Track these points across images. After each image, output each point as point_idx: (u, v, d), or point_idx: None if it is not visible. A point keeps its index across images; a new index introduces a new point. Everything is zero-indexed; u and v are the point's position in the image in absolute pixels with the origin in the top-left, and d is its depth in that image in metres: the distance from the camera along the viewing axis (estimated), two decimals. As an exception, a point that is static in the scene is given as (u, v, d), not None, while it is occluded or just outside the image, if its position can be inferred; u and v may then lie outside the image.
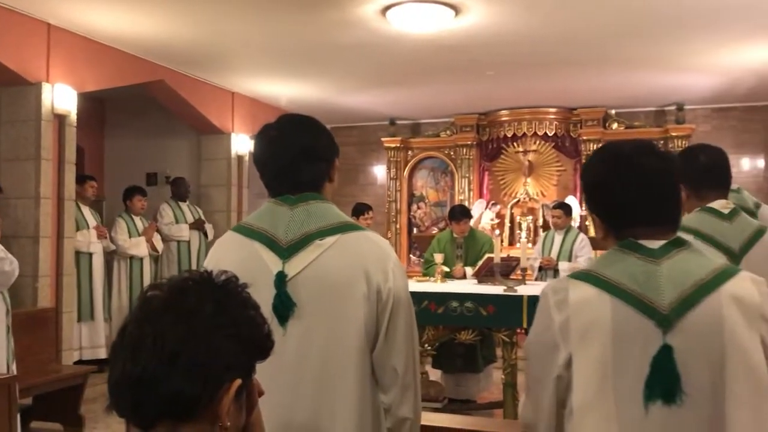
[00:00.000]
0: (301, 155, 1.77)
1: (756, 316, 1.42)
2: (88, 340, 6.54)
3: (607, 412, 1.40)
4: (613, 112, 8.89)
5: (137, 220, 7.27)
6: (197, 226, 7.73)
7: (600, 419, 1.41)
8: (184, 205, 7.78)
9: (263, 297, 1.64)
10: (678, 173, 1.56)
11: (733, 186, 3.18)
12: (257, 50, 6.51)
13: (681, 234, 2.45)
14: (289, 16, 5.46)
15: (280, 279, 1.67)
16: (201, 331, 1.02)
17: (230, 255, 1.75)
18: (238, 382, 1.04)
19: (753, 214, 3.13)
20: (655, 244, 1.48)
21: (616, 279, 1.45)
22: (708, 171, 2.58)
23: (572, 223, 6.63)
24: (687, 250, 1.50)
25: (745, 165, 8.82)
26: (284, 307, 1.66)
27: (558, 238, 6.66)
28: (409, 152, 9.78)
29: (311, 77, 7.51)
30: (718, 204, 2.54)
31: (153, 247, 7.29)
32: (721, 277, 1.44)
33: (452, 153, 9.54)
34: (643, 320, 1.41)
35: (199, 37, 6.06)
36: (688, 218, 2.61)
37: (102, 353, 6.46)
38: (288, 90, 8.09)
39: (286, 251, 1.69)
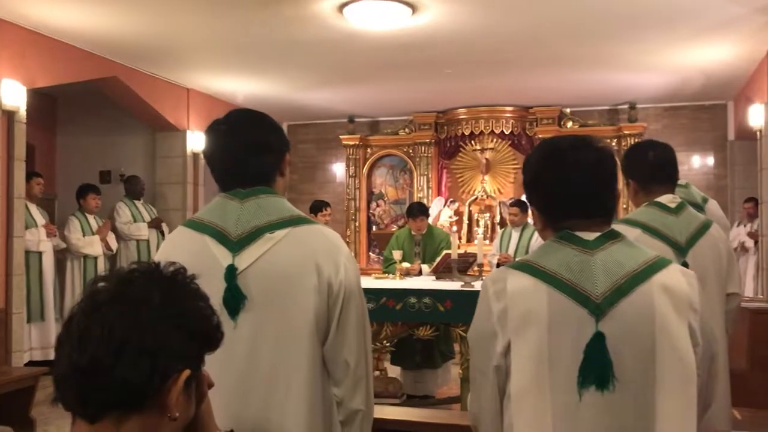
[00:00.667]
0: (252, 149, 1.77)
1: (685, 305, 1.48)
2: (38, 341, 6.39)
3: (542, 399, 1.44)
4: (568, 110, 9.04)
5: (91, 218, 7.13)
6: (155, 224, 7.63)
7: (535, 406, 1.44)
8: (139, 204, 7.67)
9: (214, 290, 1.63)
10: (614, 167, 1.60)
11: (682, 182, 3.27)
12: (213, 46, 6.45)
13: (629, 227, 2.54)
14: (245, 12, 5.42)
15: (231, 272, 1.67)
16: (148, 321, 1.02)
17: (181, 249, 1.74)
18: (187, 372, 1.04)
19: (700, 208, 3.23)
20: (591, 235, 1.53)
21: (552, 269, 1.50)
22: (656, 166, 2.65)
23: (528, 220, 6.72)
24: (620, 242, 1.54)
25: (695, 162, 9.05)
26: (234, 300, 1.65)
27: (515, 234, 6.75)
28: (368, 150, 9.79)
29: (268, 74, 7.46)
30: (665, 198, 2.61)
31: (107, 246, 7.16)
32: (652, 268, 1.49)
33: (411, 151, 9.58)
34: (578, 309, 1.45)
35: (153, 32, 5.97)
36: (636, 212, 2.68)
37: (53, 354, 6.30)
38: (245, 86, 8.02)
39: (236, 244, 1.69)
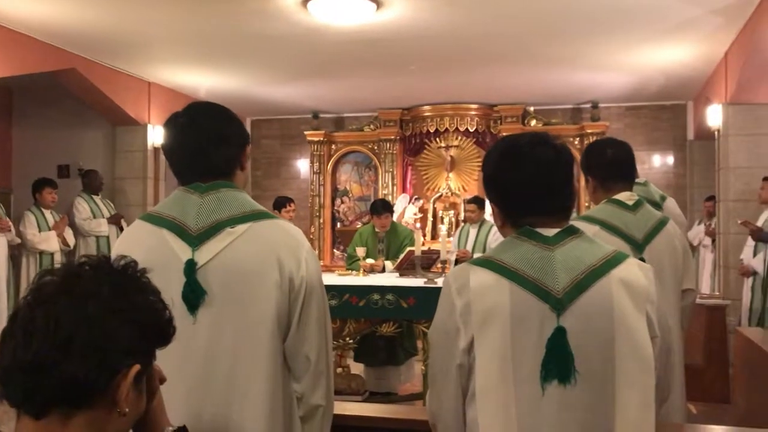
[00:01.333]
0: (212, 141, 1.74)
1: (642, 298, 1.51)
2: (-8, 338, 6.22)
3: (506, 395, 1.45)
4: (531, 109, 9.11)
5: (47, 213, 6.97)
6: (115, 220, 7.49)
7: (500, 401, 1.45)
8: (98, 199, 7.52)
9: (172, 285, 1.61)
10: (572, 165, 1.62)
11: (641, 180, 3.33)
12: (175, 39, 6.35)
13: (588, 224, 2.58)
14: (208, 4, 5.34)
15: (190, 267, 1.64)
16: (96, 315, 0.99)
17: (138, 244, 1.71)
18: (137, 367, 1.02)
19: (658, 206, 3.29)
20: (550, 231, 1.55)
21: (514, 265, 1.51)
22: (614, 164, 2.70)
23: (486, 217, 6.77)
24: (579, 237, 1.56)
25: (655, 161, 9.21)
26: (194, 295, 1.63)
27: (473, 231, 6.80)
28: (333, 146, 9.75)
29: (231, 68, 7.38)
30: (623, 196, 2.66)
31: (64, 242, 7.01)
32: (610, 263, 1.52)
33: (376, 147, 9.57)
34: (539, 304, 1.47)
35: (113, 24, 5.85)
36: (594, 210, 2.73)
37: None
38: (207, 80, 7.93)
39: (196, 239, 1.67)
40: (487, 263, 1.54)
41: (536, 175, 1.56)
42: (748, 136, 6.55)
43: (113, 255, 1.68)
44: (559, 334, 1.45)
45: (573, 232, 1.57)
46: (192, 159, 1.75)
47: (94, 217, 7.35)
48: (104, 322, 0.99)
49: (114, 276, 1.05)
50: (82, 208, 7.33)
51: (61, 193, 7.22)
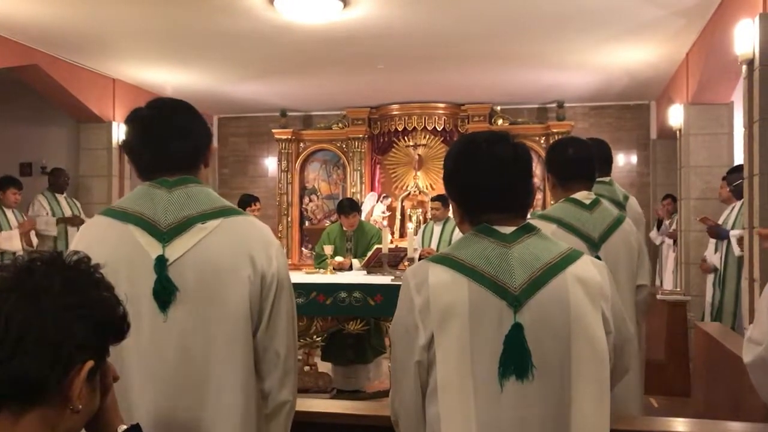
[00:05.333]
0: (177, 136, 1.72)
1: (597, 295, 1.53)
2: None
3: (465, 390, 1.46)
4: (498, 108, 9.20)
5: (9, 213, 6.82)
6: (75, 222, 7.33)
7: (459, 397, 1.47)
8: (61, 198, 7.37)
9: (142, 282, 1.59)
10: (529, 163, 1.64)
11: (606, 179, 3.38)
12: (140, 35, 6.27)
13: (545, 222, 2.61)
14: (174, 1, 5.29)
15: (161, 263, 1.61)
16: (48, 311, 0.98)
17: (102, 240, 1.67)
18: (90, 363, 1.01)
19: (621, 206, 3.34)
20: (508, 229, 1.57)
21: (471, 262, 1.52)
22: (574, 163, 2.73)
23: (450, 215, 6.80)
24: (536, 235, 1.59)
25: (620, 161, 9.34)
26: (166, 292, 1.60)
27: (437, 228, 6.83)
28: (301, 144, 9.72)
29: (198, 65, 7.31)
30: (580, 195, 2.70)
31: (28, 242, 6.87)
32: (566, 260, 1.54)
33: (344, 146, 9.57)
34: (497, 301, 1.48)
35: (76, 19, 5.75)
36: (552, 208, 2.77)
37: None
38: (174, 77, 7.84)
39: (165, 235, 1.64)
40: (445, 260, 1.55)
41: (494, 173, 1.58)
42: (709, 135, 6.69)
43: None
44: (517, 330, 1.46)
45: (530, 229, 1.59)
46: (156, 154, 1.72)
47: (54, 215, 7.21)
48: (57, 318, 0.98)
49: (67, 271, 1.04)
50: (39, 205, 7.18)
51: (25, 191, 7.07)
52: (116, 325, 1.07)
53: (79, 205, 7.54)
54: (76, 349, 0.99)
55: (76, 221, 7.27)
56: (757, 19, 4.17)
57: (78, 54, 6.89)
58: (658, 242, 8.21)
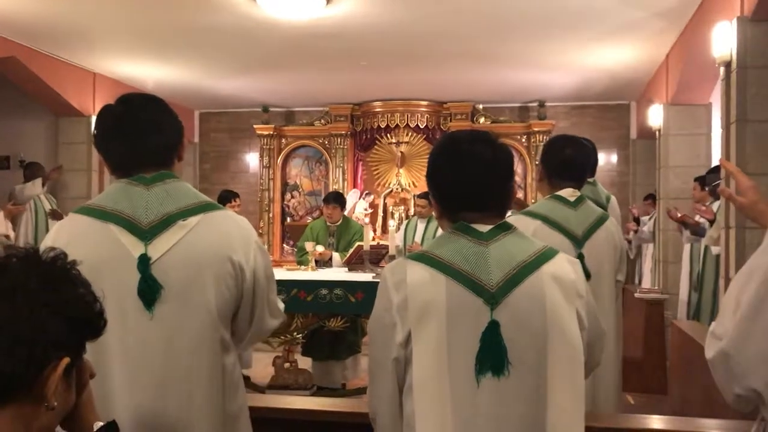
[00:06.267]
0: (149, 131, 1.72)
1: (572, 292, 1.55)
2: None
3: (442, 388, 1.48)
4: (480, 107, 9.23)
5: (-14, 206, 6.74)
6: (55, 215, 7.27)
7: (436, 394, 1.48)
8: (41, 193, 7.30)
9: (124, 281, 1.59)
10: (510, 164, 1.66)
11: (591, 179, 3.42)
12: (121, 29, 6.21)
13: (530, 219, 2.64)
14: (155, -5, 5.25)
15: (144, 262, 1.62)
16: (24, 308, 0.97)
17: (83, 239, 1.65)
18: (66, 360, 1.00)
19: (604, 207, 3.38)
20: (485, 227, 1.58)
21: (449, 260, 1.54)
22: (567, 163, 2.76)
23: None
24: (512, 233, 1.60)
25: (600, 160, 9.36)
26: (150, 290, 1.61)
27: (421, 225, 6.85)
28: (283, 140, 9.69)
29: (180, 60, 7.25)
30: (565, 192, 2.73)
31: (6, 235, 6.77)
32: (541, 259, 1.56)
33: (326, 142, 9.55)
34: (474, 298, 1.50)
35: (56, 12, 5.68)
36: (537, 205, 2.80)
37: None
38: (155, 72, 7.77)
39: (147, 233, 1.64)
40: (423, 258, 1.57)
41: (472, 172, 1.59)
42: (687, 135, 6.76)
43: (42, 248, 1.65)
44: (493, 327, 1.48)
45: (506, 228, 1.60)
46: (129, 150, 1.71)
47: (37, 213, 7.13)
48: (32, 315, 0.98)
49: (43, 268, 1.03)
50: (27, 194, 7.09)
51: (1, 186, 7.00)
52: (93, 322, 1.07)
53: (55, 200, 7.46)
54: (51, 346, 0.99)
55: (57, 215, 7.20)
56: (734, 21, 4.23)
57: (57, 47, 6.81)
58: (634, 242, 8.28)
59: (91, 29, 6.22)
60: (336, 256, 6.04)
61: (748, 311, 1.33)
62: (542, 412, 1.48)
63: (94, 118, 6.25)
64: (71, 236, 1.68)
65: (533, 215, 2.67)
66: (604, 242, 2.71)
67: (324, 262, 5.99)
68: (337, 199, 6.28)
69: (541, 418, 1.48)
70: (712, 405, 3.13)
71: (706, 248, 5.30)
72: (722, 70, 4.44)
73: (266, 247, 9.05)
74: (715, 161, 6.30)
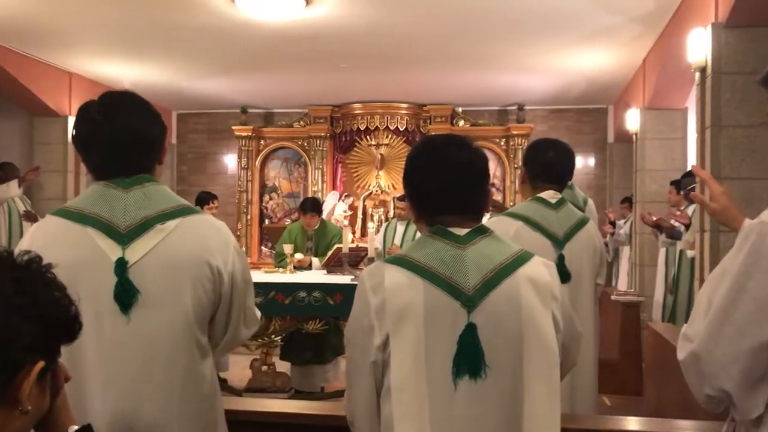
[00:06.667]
0: (131, 139, 1.69)
1: (548, 295, 1.57)
2: None
3: (420, 390, 1.48)
4: (459, 110, 9.28)
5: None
6: (29, 217, 7.16)
7: (413, 397, 1.48)
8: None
9: (103, 285, 1.58)
10: (485, 168, 1.67)
11: (568, 183, 3.44)
12: (97, 29, 6.15)
13: (512, 220, 2.66)
14: (132, -6, 5.21)
15: (121, 266, 1.61)
16: (-2, 311, 0.96)
17: (59, 242, 1.64)
18: (41, 364, 0.99)
19: (581, 209, 3.42)
20: (461, 231, 1.59)
21: (427, 263, 1.55)
22: (549, 166, 2.79)
23: (412, 215, 6.85)
24: (489, 236, 1.62)
25: (578, 163, 9.40)
26: (127, 294, 1.60)
27: (400, 227, 6.86)
28: (262, 142, 9.64)
29: (157, 60, 7.20)
30: (546, 194, 2.76)
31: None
32: (517, 262, 1.57)
33: (306, 144, 9.53)
34: (451, 301, 1.51)
35: (31, 11, 5.61)
36: (519, 206, 2.83)
37: None
38: (132, 72, 7.70)
39: (125, 237, 1.63)
40: (401, 261, 1.57)
41: (448, 176, 1.60)
42: (663, 139, 6.85)
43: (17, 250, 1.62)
44: (470, 330, 1.49)
45: (483, 231, 1.62)
46: (110, 158, 1.69)
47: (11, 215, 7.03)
48: (6, 318, 0.96)
49: (17, 271, 1.02)
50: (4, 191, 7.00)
51: (-26, 185, 6.89)
52: (68, 326, 1.05)
53: (30, 201, 7.36)
54: (25, 349, 0.97)
55: (31, 217, 7.10)
56: (709, 28, 4.29)
57: (32, 46, 6.73)
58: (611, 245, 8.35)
59: (67, 28, 6.15)
60: (315, 261, 6.01)
61: (719, 313, 1.35)
62: (519, 413, 1.49)
63: (70, 119, 6.22)
64: (47, 239, 1.67)
65: (515, 216, 2.70)
66: (584, 244, 2.74)
67: (303, 268, 5.96)
68: (314, 206, 6.22)
69: (517, 420, 1.49)
70: (687, 406, 3.16)
71: (681, 251, 5.37)
72: (697, 75, 4.50)
73: (244, 249, 9.02)
74: (690, 165, 6.38)
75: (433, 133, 8.73)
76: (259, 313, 1.89)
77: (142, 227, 1.64)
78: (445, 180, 1.60)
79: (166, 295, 1.63)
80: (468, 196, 1.63)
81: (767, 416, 1.33)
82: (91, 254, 1.61)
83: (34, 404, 1.00)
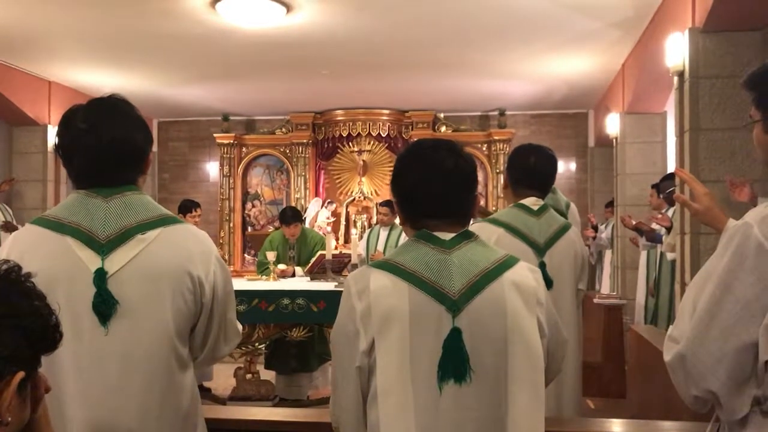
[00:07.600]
0: (114, 149, 1.66)
1: (533, 300, 1.57)
2: None
3: (405, 395, 1.48)
4: (441, 115, 9.31)
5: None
6: (8, 228, 7.06)
7: (399, 402, 1.48)
8: (-7, 203, 7.11)
9: (82, 296, 1.56)
10: (472, 173, 1.67)
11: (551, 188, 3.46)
12: (77, 37, 6.10)
13: (493, 226, 2.66)
14: (112, 2, 5.17)
15: (101, 276, 1.58)
16: (-24, 322, 0.95)
17: (38, 251, 1.61)
18: (21, 374, 0.98)
19: (564, 214, 3.43)
20: (447, 235, 1.60)
21: (412, 267, 1.55)
22: (531, 173, 2.79)
23: (397, 220, 6.85)
24: (474, 241, 1.62)
25: (559, 168, 9.48)
26: (106, 305, 1.58)
27: (383, 233, 6.87)
28: (244, 149, 9.61)
29: (138, 68, 7.16)
30: (528, 201, 2.76)
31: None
32: (502, 266, 1.58)
33: (288, 151, 9.51)
34: (436, 306, 1.51)
35: (9, 18, 5.56)
36: (501, 213, 2.83)
37: None
38: (112, 80, 7.65)
39: (104, 247, 1.61)
40: (386, 266, 1.58)
41: (435, 180, 1.61)
42: (643, 143, 6.92)
43: None
44: (455, 334, 1.49)
45: (469, 236, 1.62)
46: (93, 163, 1.66)
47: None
48: (-16, 329, 0.95)
49: None
50: None
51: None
52: (48, 336, 1.04)
53: (11, 211, 7.28)
54: (5, 360, 0.96)
55: (10, 227, 6.99)
56: (686, 33, 4.34)
57: (10, 55, 6.66)
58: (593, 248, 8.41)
59: (46, 36, 6.10)
60: (298, 270, 5.98)
61: (704, 314, 1.36)
62: (503, 418, 1.50)
63: (50, 128, 6.15)
64: (26, 247, 1.64)
65: (497, 223, 2.70)
66: (565, 251, 2.74)
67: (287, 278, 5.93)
68: (295, 216, 6.16)
69: (502, 424, 1.50)
70: (671, 407, 3.19)
71: (662, 254, 5.41)
72: (676, 79, 4.55)
73: (227, 257, 8.97)
74: (670, 168, 6.45)
75: (416, 139, 8.78)
76: (240, 327, 1.86)
77: (122, 237, 1.62)
78: (433, 184, 1.60)
79: (145, 305, 1.61)
80: (455, 201, 1.63)
81: (752, 417, 1.34)
82: (70, 264, 1.59)
83: (14, 415, 0.99)
